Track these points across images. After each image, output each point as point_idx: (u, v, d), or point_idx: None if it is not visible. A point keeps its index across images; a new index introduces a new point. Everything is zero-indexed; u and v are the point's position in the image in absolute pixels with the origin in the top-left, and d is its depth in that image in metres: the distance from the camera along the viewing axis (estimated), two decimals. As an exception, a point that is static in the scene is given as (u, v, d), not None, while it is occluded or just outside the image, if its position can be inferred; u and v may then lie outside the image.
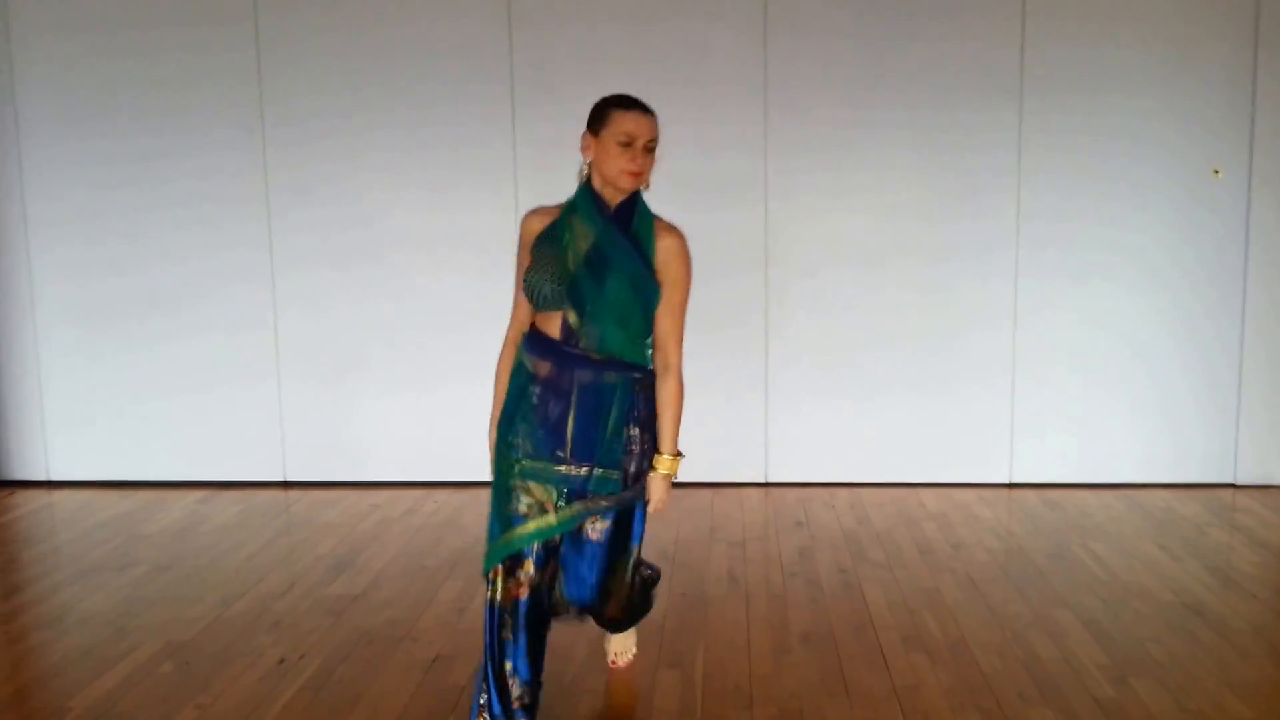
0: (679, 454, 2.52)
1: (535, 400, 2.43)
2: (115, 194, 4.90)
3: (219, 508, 4.68)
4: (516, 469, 2.43)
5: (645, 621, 3.10)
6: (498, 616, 2.41)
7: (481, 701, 2.44)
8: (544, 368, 2.43)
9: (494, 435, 2.50)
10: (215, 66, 4.81)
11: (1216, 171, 4.71)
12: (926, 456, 4.92)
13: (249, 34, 4.80)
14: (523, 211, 3.21)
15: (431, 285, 4.90)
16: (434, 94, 4.79)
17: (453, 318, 4.91)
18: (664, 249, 2.42)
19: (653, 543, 3.84)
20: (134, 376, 5.01)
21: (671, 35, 4.73)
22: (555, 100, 4.73)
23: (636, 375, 2.46)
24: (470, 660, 3.05)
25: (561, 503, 2.43)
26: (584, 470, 2.42)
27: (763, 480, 4.98)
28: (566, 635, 3.10)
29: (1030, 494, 4.80)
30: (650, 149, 2.39)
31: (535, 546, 2.43)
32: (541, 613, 2.46)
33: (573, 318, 2.40)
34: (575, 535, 2.52)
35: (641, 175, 2.38)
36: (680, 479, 2.61)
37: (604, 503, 2.46)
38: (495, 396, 2.54)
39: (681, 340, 2.48)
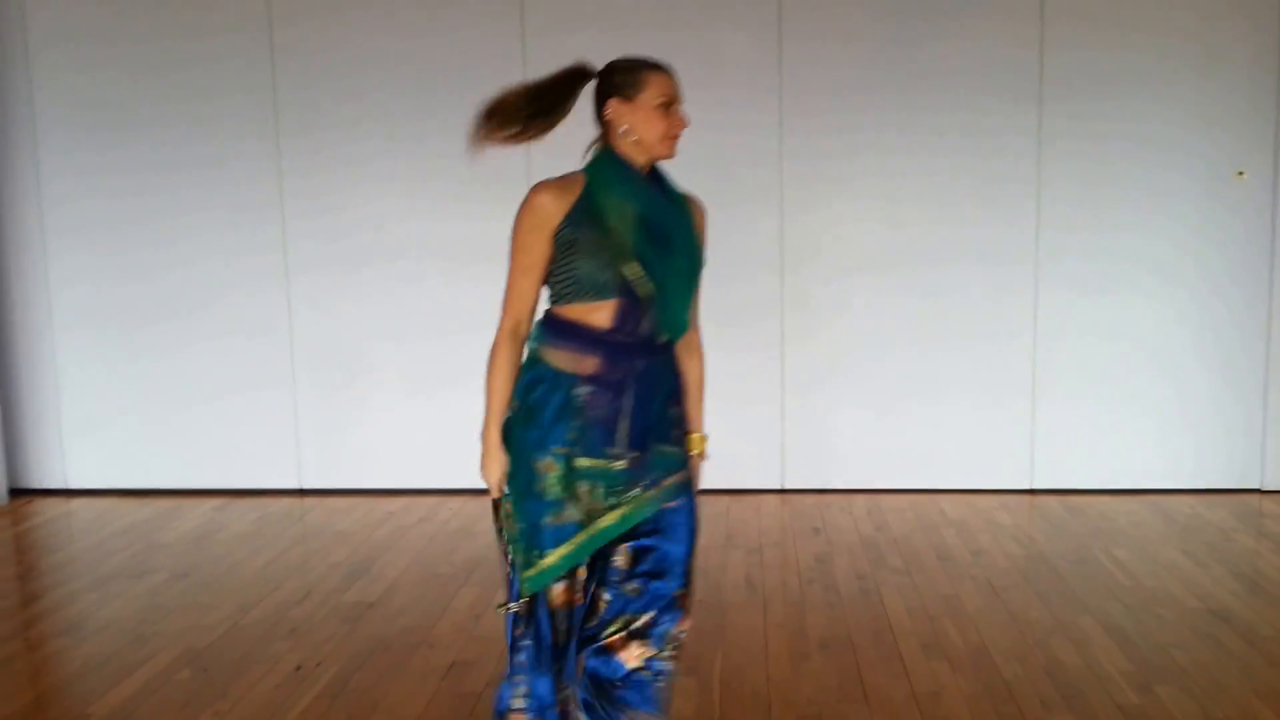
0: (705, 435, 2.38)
1: (582, 401, 2.17)
2: (132, 201, 4.93)
3: (235, 515, 4.69)
4: (562, 475, 2.16)
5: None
6: (548, 620, 2.17)
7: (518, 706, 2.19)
8: (590, 363, 2.18)
9: (495, 437, 2.22)
10: (231, 76, 4.84)
11: (1241, 173, 4.66)
12: (946, 462, 4.87)
13: (264, 45, 4.83)
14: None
15: (445, 291, 4.90)
16: (447, 102, 4.79)
17: (467, 323, 4.89)
18: (699, 215, 2.28)
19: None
20: (150, 383, 5.02)
21: (686, 43, 4.70)
22: (568, 108, 4.73)
23: (672, 352, 2.29)
24: (486, 666, 3.04)
25: (613, 500, 2.18)
26: (637, 456, 2.18)
27: (780, 486, 4.95)
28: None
29: (1052, 500, 4.75)
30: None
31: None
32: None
33: (642, 299, 2.16)
34: (652, 521, 2.23)
35: (679, 139, 2.21)
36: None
37: (667, 480, 2.22)
38: (494, 396, 2.23)
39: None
